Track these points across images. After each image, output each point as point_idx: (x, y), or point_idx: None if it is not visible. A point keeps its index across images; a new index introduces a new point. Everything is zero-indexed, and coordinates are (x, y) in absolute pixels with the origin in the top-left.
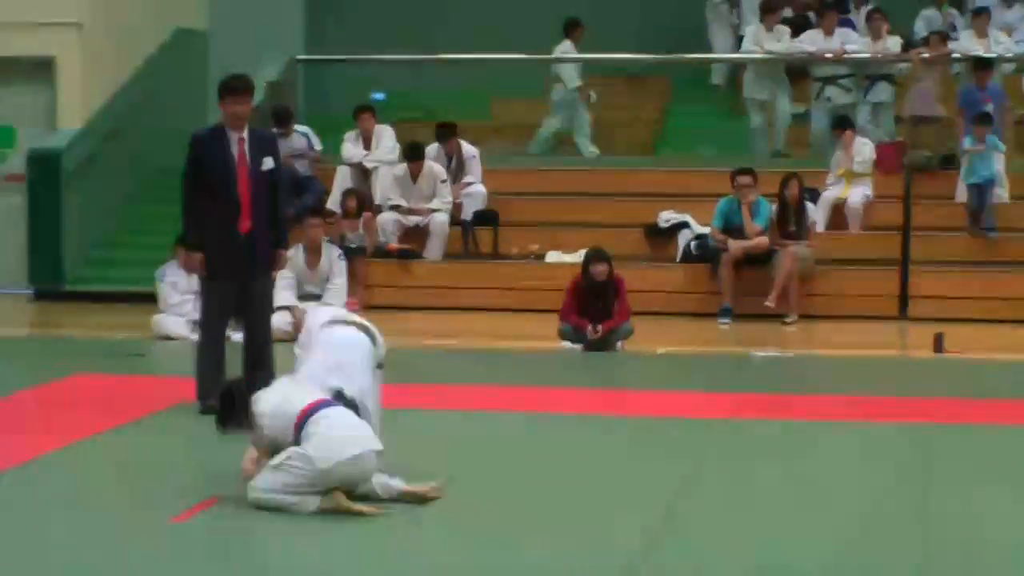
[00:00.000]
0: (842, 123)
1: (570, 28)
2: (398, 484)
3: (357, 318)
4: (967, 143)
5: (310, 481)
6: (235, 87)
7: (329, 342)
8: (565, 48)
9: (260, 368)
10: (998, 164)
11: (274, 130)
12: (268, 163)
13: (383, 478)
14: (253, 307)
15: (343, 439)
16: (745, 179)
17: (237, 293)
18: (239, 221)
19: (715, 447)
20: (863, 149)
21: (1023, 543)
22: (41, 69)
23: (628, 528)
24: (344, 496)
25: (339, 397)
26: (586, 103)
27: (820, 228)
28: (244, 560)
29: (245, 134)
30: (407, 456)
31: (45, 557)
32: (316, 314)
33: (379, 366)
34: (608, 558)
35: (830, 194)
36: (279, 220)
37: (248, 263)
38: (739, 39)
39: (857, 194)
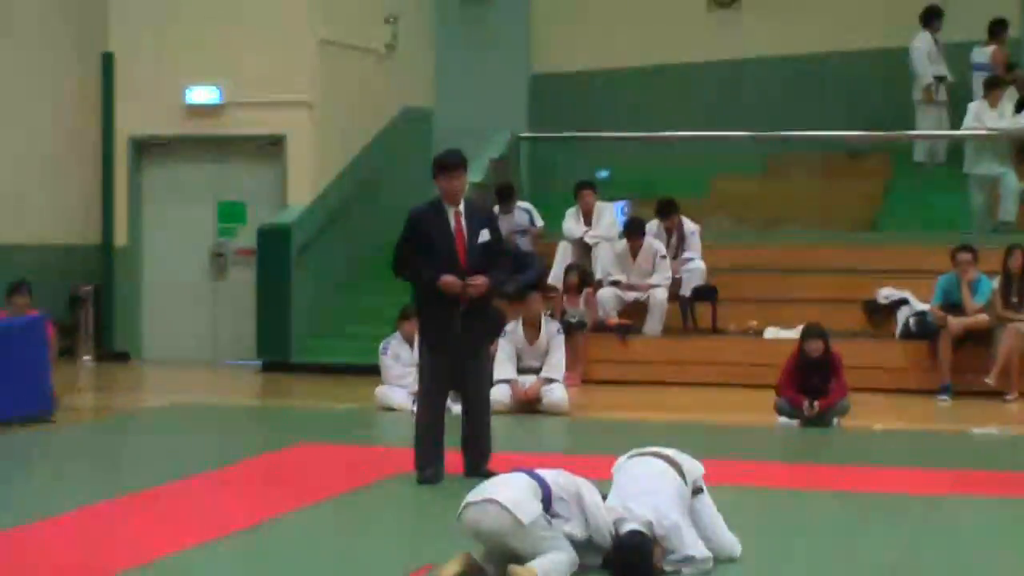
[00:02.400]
0: None
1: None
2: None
3: (662, 450)
4: None
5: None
6: (448, 163)
7: (629, 471)
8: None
9: (478, 440)
10: None
11: (496, 207)
12: (484, 235)
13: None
14: (471, 380)
15: (481, 487)
16: (965, 256)
17: (456, 365)
18: (458, 294)
19: (935, 524)
20: None
21: None
22: (272, 147)
23: None
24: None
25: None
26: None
27: None
28: None
29: (461, 208)
30: None
31: None
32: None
33: (698, 490)
34: None
35: None
36: (496, 276)
37: (467, 336)
38: (953, 117)
39: None
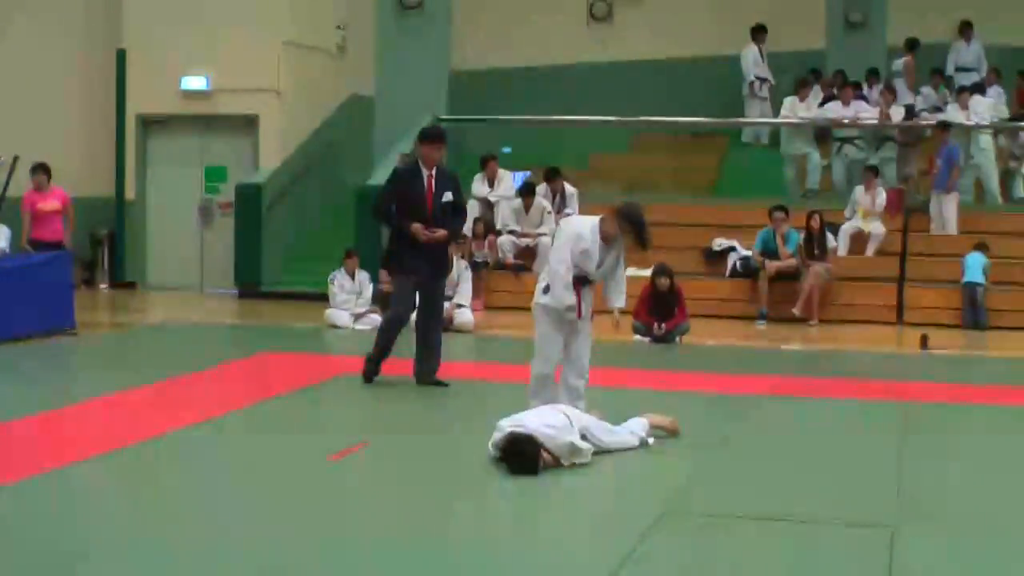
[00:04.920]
0: (871, 171)
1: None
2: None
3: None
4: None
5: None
6: (431, 135)
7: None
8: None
9: (430, 345)
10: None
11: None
12: (448, 196)
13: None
14: (432, 300)
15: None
16: (779, 214)
17: (420, 289)
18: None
19: (748, 417)
20: (880, 193)
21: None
22: (247, 123)
23: (680, 466)
24: None
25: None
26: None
27: (842, 253)
28: (380, 488)
29: (434, 172)
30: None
31: (235, 478)
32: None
33: (583, 437)
34: (653, 491)
35: (849, 226)
36: (454, 228)
37: (431, 266)
38: (773, 108)
39: (878, 227)
